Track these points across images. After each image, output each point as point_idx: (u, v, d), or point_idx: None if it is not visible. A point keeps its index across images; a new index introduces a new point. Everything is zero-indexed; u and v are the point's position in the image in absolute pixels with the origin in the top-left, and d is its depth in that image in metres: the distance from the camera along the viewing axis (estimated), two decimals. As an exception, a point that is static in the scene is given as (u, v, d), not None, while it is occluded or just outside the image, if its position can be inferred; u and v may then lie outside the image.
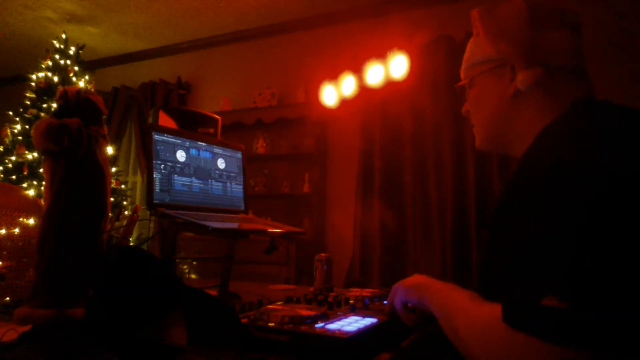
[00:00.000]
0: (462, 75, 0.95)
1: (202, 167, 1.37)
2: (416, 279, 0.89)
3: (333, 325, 0.78)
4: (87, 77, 3.89)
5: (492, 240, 0.73)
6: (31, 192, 3.23)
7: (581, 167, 0.60)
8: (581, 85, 0.81)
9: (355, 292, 1.16)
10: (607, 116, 0.72)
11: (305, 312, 0.83)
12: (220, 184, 1.42)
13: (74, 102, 1.05)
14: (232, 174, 1.47)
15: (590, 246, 0.55)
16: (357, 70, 3.07)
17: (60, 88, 1.06)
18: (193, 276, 3.64)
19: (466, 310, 0.70)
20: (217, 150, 1.45)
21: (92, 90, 1.44)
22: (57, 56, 3.79)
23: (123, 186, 3.90)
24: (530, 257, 0.59)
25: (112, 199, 3.13)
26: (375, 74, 2.96)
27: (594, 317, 0.52)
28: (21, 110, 3.66)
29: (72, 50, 3.88)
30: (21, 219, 1.28)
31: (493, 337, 0.61)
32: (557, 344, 0.53)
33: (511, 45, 0.82)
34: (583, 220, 0.57)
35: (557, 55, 0.81)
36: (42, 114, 3.57)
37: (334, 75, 3.17)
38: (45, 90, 3.67)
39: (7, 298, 1.15)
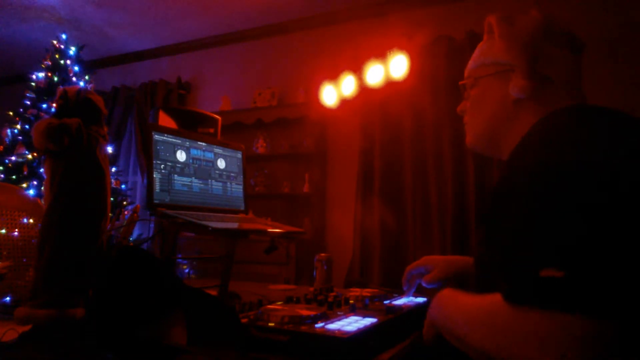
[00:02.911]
0: (466, 74, 0.98)
1: (202, 167, 1.37)
2: (436, 299, 0.84)
3: (333, 325, 0.78)
4: (87, 77, 3.88)
5: (488, 234, 0.75)
6: (31, 192, 3.23)
7: (566, 164, 0.63)
8: (577, 100, 0.86)
9: (355, 292, 1.16)
10: (590, 117, 0.74)
11: (305, 312, 0.83)
12: (220, 184, 1.42)
13: (74, 102, 1.05)
14: (232, 174, 1.47)
15: (581, 218, 0.57)
16: (357, 70, 3.07)
17: (60, 88, 1.06)
18: (193, 276, 3.64)
19: (466, 306, 0.71)
20: (217, 150, 1.44)
21: (92, 90, 1.44)
22: (57, 56, 3.78)
23: (123, 186, 3.91)
24: (524, 239, 0.61)
25: (112, 199, 3.13)
26: (375, 74, 2.95)
27: (591, 283, 0.53)
28: (21, 110, 3.66)
29: (72, 50, 3.88)
30: (21, 219, 1.28)
31: (497, 321, 0.62)
32: (560, 311, 0.54)
33: (521, 53, 0.86)
34: (573, 201, 0.60)
35: (559, 71, 0.85)
36: (42, 114, 3.57)
37: (334, 75, 3.16)
38: (45, 90, 3.67)
39: (7, 298, 1.15)
